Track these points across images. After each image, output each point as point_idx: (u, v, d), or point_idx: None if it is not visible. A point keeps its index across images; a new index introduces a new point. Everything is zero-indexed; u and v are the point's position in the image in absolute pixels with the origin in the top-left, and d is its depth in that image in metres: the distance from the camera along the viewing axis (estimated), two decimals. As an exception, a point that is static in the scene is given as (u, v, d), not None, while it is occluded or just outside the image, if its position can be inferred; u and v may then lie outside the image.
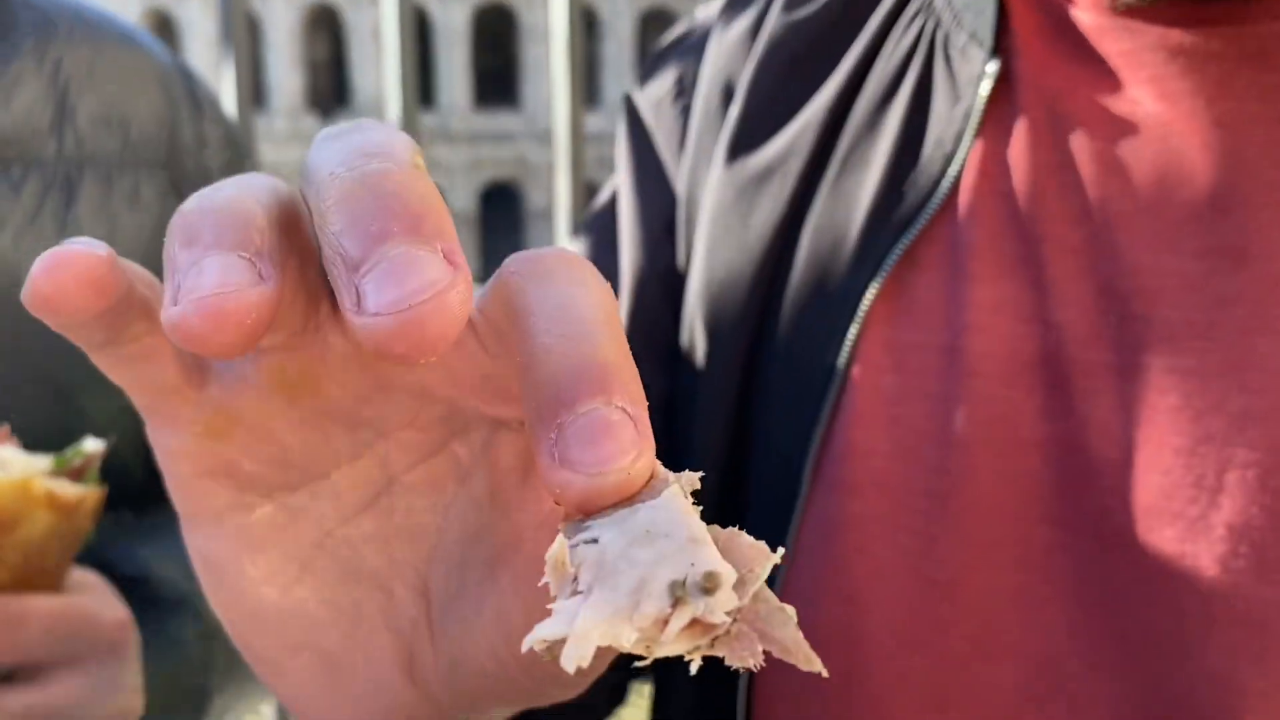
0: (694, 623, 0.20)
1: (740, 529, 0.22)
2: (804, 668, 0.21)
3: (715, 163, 0.52)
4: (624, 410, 0.22)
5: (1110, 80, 0.44)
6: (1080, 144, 0.45)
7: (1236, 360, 0.41)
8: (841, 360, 0.46)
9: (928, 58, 0.48)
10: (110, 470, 0.52)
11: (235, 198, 0.25)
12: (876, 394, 0.46)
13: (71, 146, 0.63)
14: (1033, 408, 0.44)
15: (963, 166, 0.46)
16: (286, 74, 32.63)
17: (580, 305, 0.24)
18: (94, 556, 0.56)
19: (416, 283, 0.21)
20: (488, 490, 0.31)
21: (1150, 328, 0.42)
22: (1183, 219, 0.42)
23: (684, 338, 0.53)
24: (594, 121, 35.79)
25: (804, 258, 0.48)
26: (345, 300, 0.22)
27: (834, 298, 0.47)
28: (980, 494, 0.44)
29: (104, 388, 0.59)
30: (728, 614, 0.19)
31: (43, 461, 0.46)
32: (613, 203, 0.58)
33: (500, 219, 35.10)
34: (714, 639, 0.20)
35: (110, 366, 0.28)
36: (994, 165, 0.46)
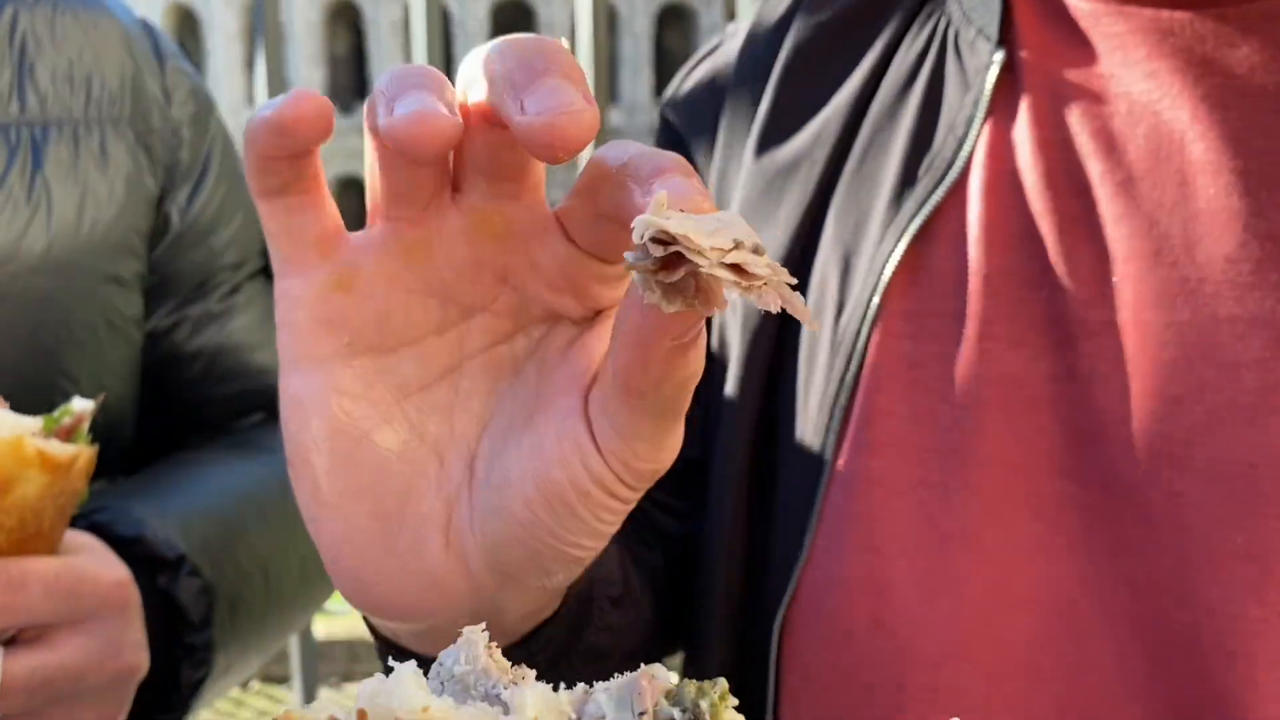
0: (739, 270, 0.27)
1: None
2: (807, 327, 0.30)
3: (745, 159, 0.57)
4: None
5: (1105, 62, 0.49)
6: (1079, 122, 0.49)
7: (1224, 314, 0.45)
8: (865, 328, 0.50)
9: (940, 53, 0.53)
10: (100, 431, 0.51)
11: (433, 73, 0.33)
12: (896, 359, 0.50)
13: (35, 107, 0.62)
14: (1041, 368, 0.48)
15: (973, 148, 0.50)
16: (308, 69, 32.74)
17: None
18: (88, 519, 0.57)
19: (562, 101, 0.29)
20: (536, 376, 0.36)
21: (1146, 288, 0.46)
22: (1174, 186, 0.47)
23: (715, 321, 0.58)
24: (613, 116, 35.63)
25: (829, 238, 0.53)
26: (511, 110, 0.30)
27: (857, 271, 0.52)
28: (993, 451, 0.48)
29: (87, 349, 0.62)
30: (765, 269, 0.27)
31: (33, 422, 0.46)
32: None
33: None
34: (749, 285, 0.27)
35: (271, 214, 0.34)
36: (1002, 146, 0.50)
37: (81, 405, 0.48)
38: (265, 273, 0.74)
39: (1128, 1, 0.48)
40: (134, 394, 0.67)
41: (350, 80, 33.90)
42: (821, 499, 0.50)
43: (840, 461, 0.50)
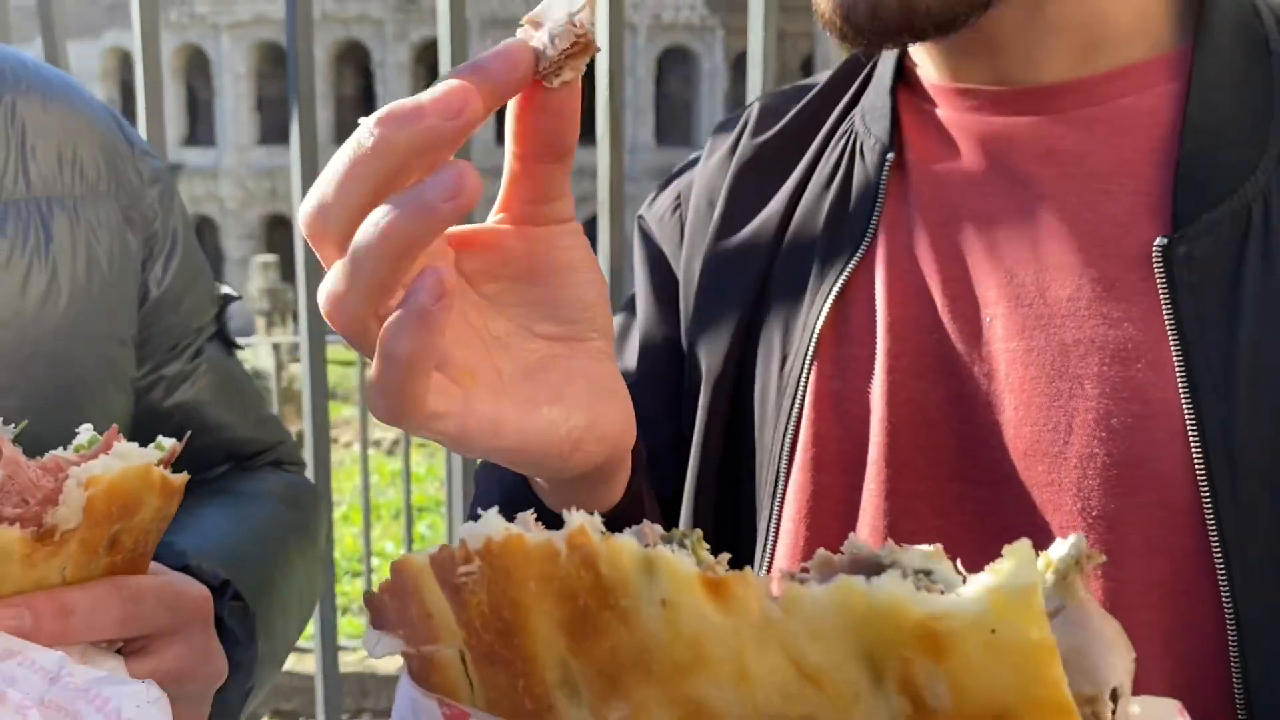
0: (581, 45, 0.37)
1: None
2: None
3: (704, 250, 0.68)
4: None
5: (969, 157, 0.61)
6: (954, 202, 0.60)
7: (1068, 340, 0.54)
8: (804, 372, 0.61)
9: (851, 158, 0.65)
10: None
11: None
12: (828, 395, 0.61)
13: (38, 185, 0.66)
14: (936, 393, 0.57)
15: (876, 227, 0.62)
16: (319, 109, 33.10)
17: None
18: None
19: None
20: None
21: (1010, 323, 0.56)
22: (1027, 246, 0.57)
23: (685, 380, 0.68)
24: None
25: (772, 304, 0.64)
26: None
27: (795, 329, 0.62)
28: (904, 461, 0.57)
29: (98, 402, 0.68)
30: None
31: (153, 453, 0.47)
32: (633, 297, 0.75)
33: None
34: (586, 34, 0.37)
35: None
36: (897, 224, 0.62)
37: (170, 442, 0.49)
38: (219, 335, 0.80)
39: (975, 111, 0.61)
40: None
41: (356, 120, 34.13)
42: (778, 507, 0.61)
43: (793, 480, 0.61)
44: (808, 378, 0.61)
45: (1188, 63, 0.57)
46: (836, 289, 0.61)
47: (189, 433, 0.52)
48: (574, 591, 0.30)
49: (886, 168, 0.62)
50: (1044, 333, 0.55)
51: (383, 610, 0.34)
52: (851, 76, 0.69)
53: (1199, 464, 0.50)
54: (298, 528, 0.79)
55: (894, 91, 0.65)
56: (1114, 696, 0.29)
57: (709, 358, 0.66)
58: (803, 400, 0.61)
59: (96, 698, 0.42)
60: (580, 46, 0.37)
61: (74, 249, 0.67)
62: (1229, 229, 0.52)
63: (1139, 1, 0.58)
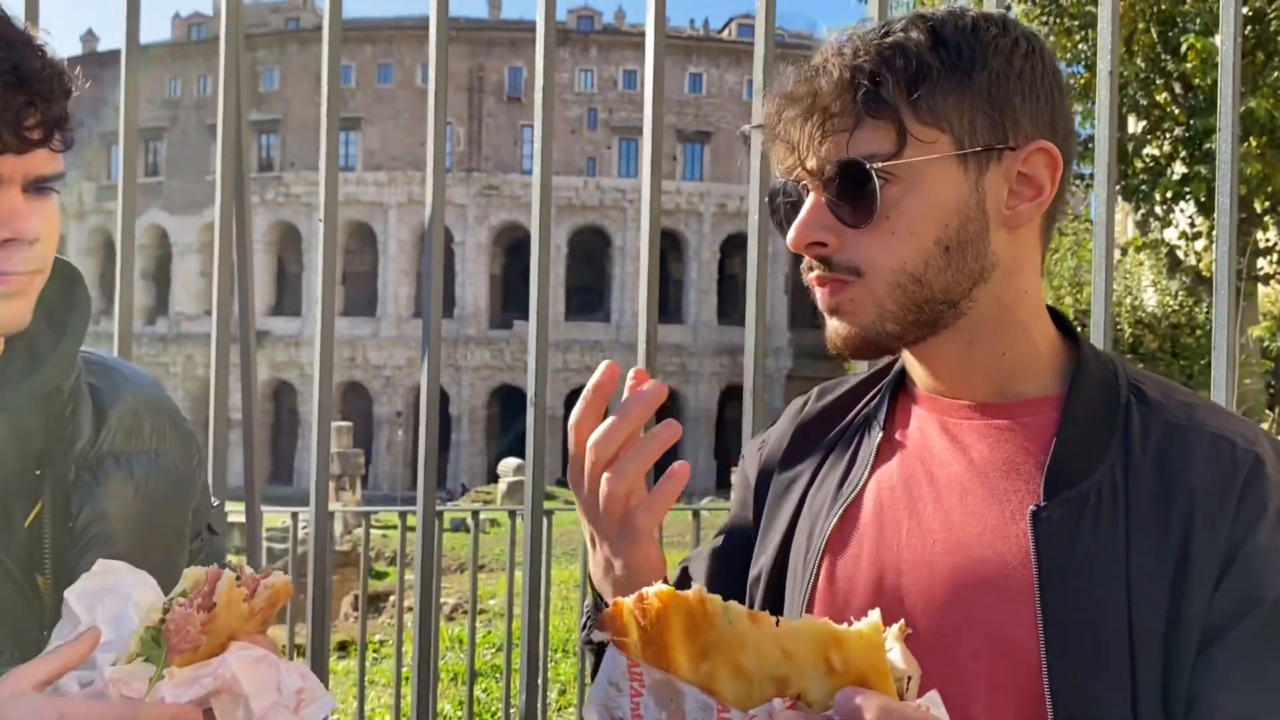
0: None
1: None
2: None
3: (772, 478, 1.02)
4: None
5: (933, 437, 0.91)
6: (914, 466, 0.91)
7: (976, 557, 0.85)
8: (816, 559, 0.93)
9: (862, 432, 0.97)
10: None
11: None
12: (830, 571, 0.92)
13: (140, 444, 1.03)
14: (891, 572, 0.88)
15: (868, 476, 0.93)
16: (397, 284, 34.76)
17: None
18: None
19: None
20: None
21: (945, 539, 0.87)
22: (956, 494, 0.87)
23: (753, 566, 1.01)
24: (678, 333, 36.73)
25: (802, 522, 0.96)
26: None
27: (815, 533, 0.94)
28: (866, 606, 0.75)
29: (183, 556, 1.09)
30: None
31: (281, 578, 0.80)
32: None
33: (583, 423, 35.56)
34: None
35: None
36: (883, 476, 0.93)
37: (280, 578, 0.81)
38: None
39: (936, 411, 0.92)
40: None
41: (509, 294, 35.66)
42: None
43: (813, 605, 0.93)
44: (820, 562, 0.93)
45: (1063, 402, 0.86)
46: (840, 510, 0.93)
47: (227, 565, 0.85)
48: (692, 614, 0.65)
49: (878, 442, 0.94)
50: (959, 552, 0.86)
51: (605, 623, 0.69)
52: (877, 379, 1.01)
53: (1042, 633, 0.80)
54: None
55: (894, 392, 0.97)
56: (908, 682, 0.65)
57: (767, 549, 1.00)
58: (817, 574, 0.93)
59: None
60: None
61: (168, 477, 1.03)
62: (1076, 504, 0.81)
63: (1035, 362, 0.89)
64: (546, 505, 4.87)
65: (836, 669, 0.61)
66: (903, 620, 0.68)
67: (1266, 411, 9.40)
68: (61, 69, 0.81)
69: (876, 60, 0.80)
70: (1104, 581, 0.78)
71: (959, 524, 0.85)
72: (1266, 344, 9.99)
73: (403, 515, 4.22)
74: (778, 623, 0.63)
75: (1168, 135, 9.92)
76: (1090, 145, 11.07)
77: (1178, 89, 9.80)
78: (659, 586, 0.66)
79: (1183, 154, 9.81)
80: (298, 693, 0.81)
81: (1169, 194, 9.76)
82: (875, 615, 0.61)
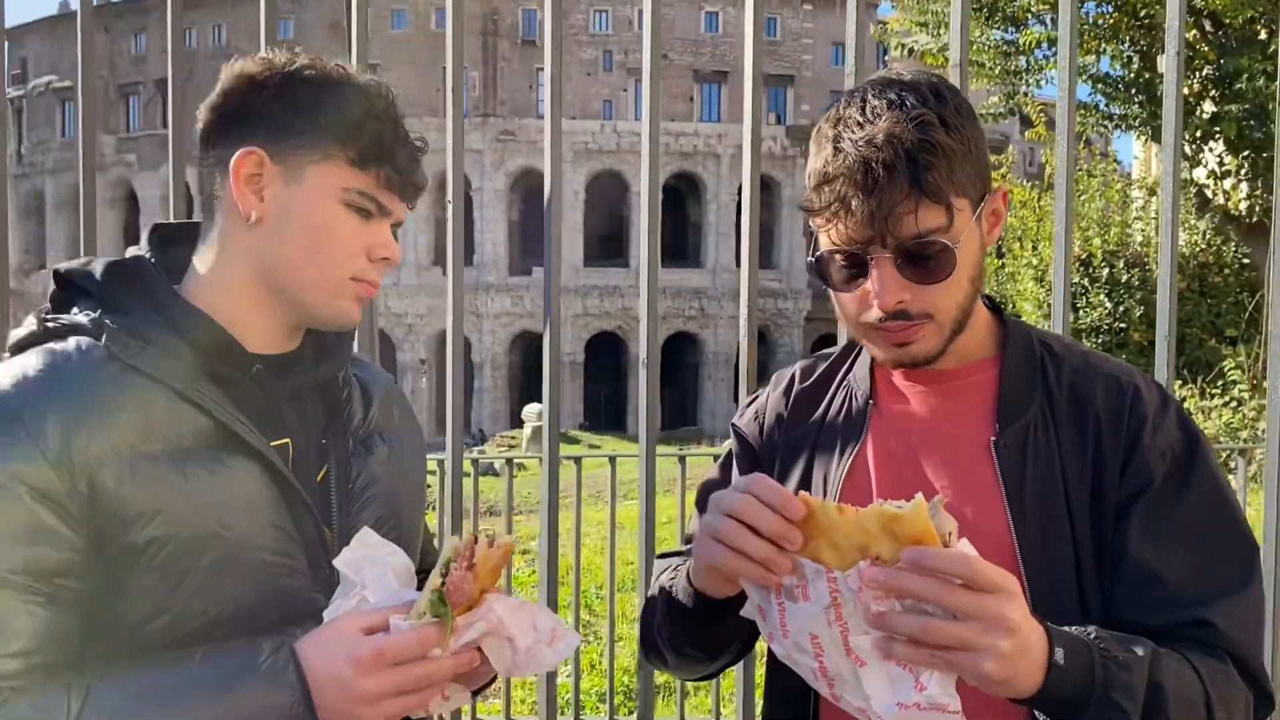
0: None
1: None
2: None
3: (776, 444, 1.27)
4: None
5: (915, 403, 1.19)
6: (903, 428, 1.18)
7: (940, 486, 1.13)
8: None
9: (850, 401, 1.22)
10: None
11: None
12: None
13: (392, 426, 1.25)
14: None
15: (864, 437, 1.19)
16: (417, 232, 34.74)
17: None
18: None
19: None
20: None
21: (934, 473, 1.13)
22: (939, 450, 1.14)
23: None
24: (696, 277, 36.56)
25: (814, 470, 1.21)
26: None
27: (830, 483, 1.19)
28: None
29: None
30: None
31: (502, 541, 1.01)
32: (725, 461, 1.35)
33: (604, 366, 35.75)
34: None
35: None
36: (876, 437, 1.18)
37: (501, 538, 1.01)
38: None
39: (911, 379, 1.19)
40: None
41: (526, 241, 35.20)
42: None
43: None
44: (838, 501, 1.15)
45: (999, 363, 1.17)
46: (846, 464, 1.18)
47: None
48: (812, 509, 0.93)
49: (868, 410, 1.21)
50: (947, 479, 1.14)
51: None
52: (846, 355, 1.30)
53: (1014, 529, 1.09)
54: None
55: (872, 366, 1.24)
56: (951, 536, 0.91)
57: None
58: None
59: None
60: None
61: (407, 452, 1.26)
62: (1020, 432, 1.12)
63: (980, 336, 1.18)
64: (573, 451, 4.89)
65: (899, 536, 0.88)
66: (940, 494, 0.93)
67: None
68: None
69: (919, 150, 1.02)
70: (1047, 482, 1.09)
71: (944, 459, 1.14)
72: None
73: (441, 464, 4.22)
74: (856, 512, 0.90)
75: (1197, 74, 9.71)
76: (1120, 86, 10.86)
77: (1208, 26, 9.57)
78: (803, 493, 0.95)
79: (1212, 93, 9.63)
80: (551, 630, 0.99)
81: (1198, 133, 9.58)
82: (919, 497, 0.88)
